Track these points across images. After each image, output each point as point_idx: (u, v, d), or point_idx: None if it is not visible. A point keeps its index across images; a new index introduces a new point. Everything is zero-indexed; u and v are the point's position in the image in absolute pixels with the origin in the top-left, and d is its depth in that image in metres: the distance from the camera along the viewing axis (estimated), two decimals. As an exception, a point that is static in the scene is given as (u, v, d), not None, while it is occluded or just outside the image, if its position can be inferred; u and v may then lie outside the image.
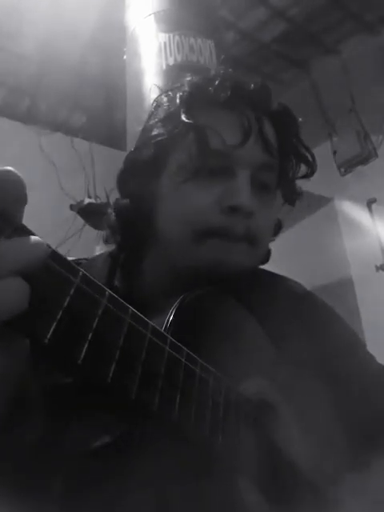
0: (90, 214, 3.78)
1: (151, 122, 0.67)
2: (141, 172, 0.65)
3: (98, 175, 4.07)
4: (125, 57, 2.06)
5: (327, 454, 0.53)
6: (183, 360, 0.39)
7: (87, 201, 3.84)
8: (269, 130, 0.64)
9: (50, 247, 0.30)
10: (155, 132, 0.65)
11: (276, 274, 0.73)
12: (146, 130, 0.67)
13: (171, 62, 1.82)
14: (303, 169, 0.71)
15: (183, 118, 0.62)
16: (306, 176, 0.71)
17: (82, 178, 4.03)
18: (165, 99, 0.67)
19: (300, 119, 0.69)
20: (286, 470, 0.48)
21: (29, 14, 3.21)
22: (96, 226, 3.72)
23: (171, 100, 0.66)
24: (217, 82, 0.63)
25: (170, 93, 0.67)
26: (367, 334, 3.49)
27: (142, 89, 1.83)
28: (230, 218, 0.59)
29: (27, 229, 0.31)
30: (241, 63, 3.87)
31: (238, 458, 0.44)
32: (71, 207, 3.80)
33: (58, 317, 0.29)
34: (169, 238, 0.63)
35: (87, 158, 4.19)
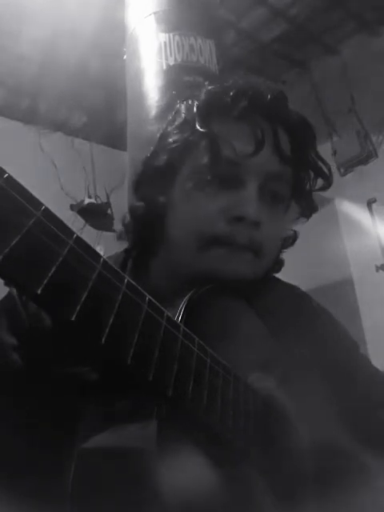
0: (90, 213, 3.79)
1: (169, 128, 0.68)
2: (155, 177, 0.67)
3: (98, 175, 4.08)
4: (125, 57, 2.06)
5: (332, 446, 0.53)
6: (195, 349, 0.41)
7: (87, 201, 3.86)
8: (284, 141, 0.64)
9: (73, 232, 0.32)
10: (171, 139, 0.66)
11: (274, 276, 0.73)
12: (163, 136, 0.68)
13: (171, 61, 1.82)
14: (319, 182, 0.70)
15: (198, 126, 0.63)
16: (322, 189, 0.71)
17: (82, 178, 4.04)
18: (183, 107, 0.68)
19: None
20: (294, 463, 0.49)
21: (29, 14, 3.21)
22: (96, 226, 3.73)
23: (189, 108, 0.66)
24: (233, 93, 0.63)
25: (189, 101, 0.68)
26: (367, 334, 3.49)
27: (142, 89, 1.83)
28: (235, 227, 0.60)
29: (53, 214, 0.32)
30: (241, 63, 3.87)
31: (247, 443, 0.45)
32: (71, 207, 3.81)
33: (83, 298, 0.31)
34: (176, 244, 0.64)
35: (87, 158, 4.19)
